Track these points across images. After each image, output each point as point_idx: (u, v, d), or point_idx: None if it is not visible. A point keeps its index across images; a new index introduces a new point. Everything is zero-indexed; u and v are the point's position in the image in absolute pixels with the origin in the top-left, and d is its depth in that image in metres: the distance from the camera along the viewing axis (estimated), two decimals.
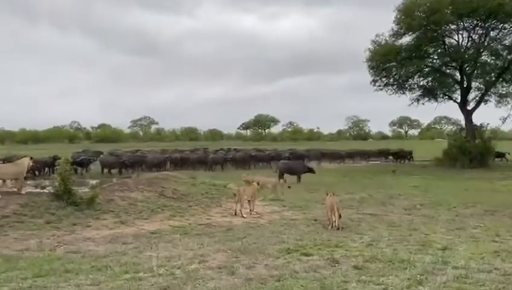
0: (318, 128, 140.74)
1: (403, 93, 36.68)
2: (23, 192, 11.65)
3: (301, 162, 26.16)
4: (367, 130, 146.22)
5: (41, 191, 12.35)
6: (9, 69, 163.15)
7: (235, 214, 11.75)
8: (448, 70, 36.32)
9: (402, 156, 40.18)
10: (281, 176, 20.50)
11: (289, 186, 17.13)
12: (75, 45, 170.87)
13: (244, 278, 6.12)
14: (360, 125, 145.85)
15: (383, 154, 43.72)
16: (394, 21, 33.57)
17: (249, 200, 12.11)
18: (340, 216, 10.09)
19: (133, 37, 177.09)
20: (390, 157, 41.77)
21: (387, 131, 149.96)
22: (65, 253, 7.72)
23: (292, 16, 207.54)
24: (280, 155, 33.29)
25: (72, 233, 9.39)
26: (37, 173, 23.64)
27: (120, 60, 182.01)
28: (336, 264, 6.81)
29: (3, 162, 19.53)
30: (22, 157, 14.03)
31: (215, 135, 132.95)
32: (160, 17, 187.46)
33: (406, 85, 36.37)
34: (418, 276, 6.16)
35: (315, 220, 11.09)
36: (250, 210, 12.04)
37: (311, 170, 22.40)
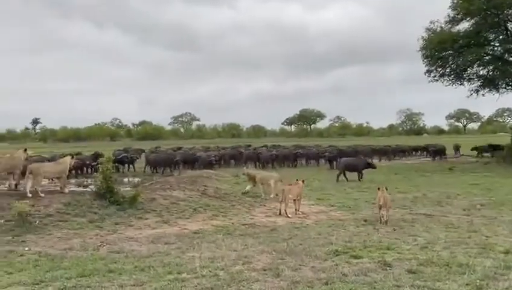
0: (368, 122, 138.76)
1: (461, 84, 35.41)
2: (66, 191, 12.15)
3: (361, 158, 26.09)
4: (421, 124, 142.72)
5: (84, 189, 12.82)
6: (48, 66, 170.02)
7: (280, 213, 11.79)
8: (511, 58, 34.83)
9: (435, 152, 37.97)
10: (341, 173, 20.92)
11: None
12: (113, 40, 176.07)
13: (290, 281, 6.15)
14: (414, 119, 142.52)
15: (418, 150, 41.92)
16: (450, 6, 32.49)
17: (294, 200, 12.10)
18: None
19: (172, 32, 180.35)
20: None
21: (444, 125, 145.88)
22: (108, 253, 8.00)
23: (338, 4, 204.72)
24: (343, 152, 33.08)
25: (114, 232, 9.71)
26: (79, 171, 24.49)
27: (159, 55, 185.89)
28: (388, 268, 6.73)
29: (48, 161, 20.35)
30: (64, 156, 14.61)
31: (258, 131, 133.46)
32: (199, 10, 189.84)
33: (464, 75, 35.06)
34: (478, 281, 6.00)
35: (365, 221, 10.97)
36: (296, 210, 12.03)
37: (371, 165, 22.49)
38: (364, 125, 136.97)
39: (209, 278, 6.32)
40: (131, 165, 26.85)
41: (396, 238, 8.89)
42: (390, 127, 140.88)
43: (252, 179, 15.27)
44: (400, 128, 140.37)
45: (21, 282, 6.20)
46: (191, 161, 28.37)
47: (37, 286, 6.09)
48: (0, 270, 6.82)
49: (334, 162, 27.88)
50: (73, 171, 19.78)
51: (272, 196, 14.41)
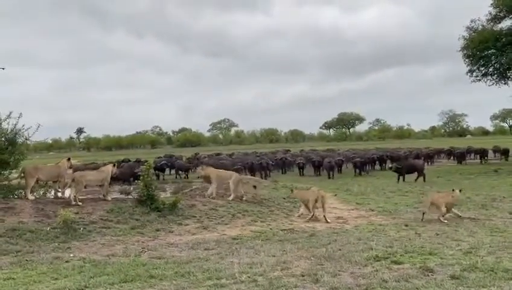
0: (408, 125, 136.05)
1: (505, 83, 34.27)
2: (108, 198, 12.45)
3: (421, 160, 26.17)
4: (464, 126, 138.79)
5: (126, 197, 13.10)
6: (91, 77, 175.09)
7: (312, 218, 11.78)
8: None
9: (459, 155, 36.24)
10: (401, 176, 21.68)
11: (254, 186, 15.61)
12: (153, 50, 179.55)
13: (329, 287, 6.10)
14: (457, 120, 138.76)
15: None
16: (492, 4, 31.59)
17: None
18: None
19: (209, 39, 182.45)
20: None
21: (489, 126, 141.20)
22: (149, 258, 8.15)
23: (375, 6, 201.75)
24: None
25: (155, 239, 9.89)
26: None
27: (197, 62, 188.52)
28: (430, 274, 6.57)
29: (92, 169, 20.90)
30: (105, 164, 14.95)
31: (296, 135, 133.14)
32: (235, 17, 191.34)
33: (508, 74, 33.97)
34: None
35: (406, 226, 10.75)
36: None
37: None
38: (405, 127, 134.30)
39: (248, 283, 6.34)
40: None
41: (439, 243, 8.67)
42: (432, 129, 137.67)
43: (207, 179, 14.40)
44: (443, 130, 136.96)
45: (66, 288, 6.39)
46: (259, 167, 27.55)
47: None
48: (46, 276, 7.06)
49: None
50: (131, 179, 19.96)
51: (231, 198, 13.55)
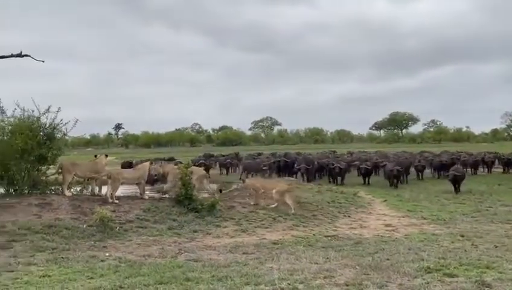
0: (467, 127, 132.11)
1: None
2: (146, 197, 12.75)
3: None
4: None
5: (163, 196, 13.36)
6: (129, 72, 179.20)
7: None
8: None
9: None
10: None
11: (220, 190, 14.82)
12: (190, 44, 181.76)
13: None
14: None
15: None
16: None
17: None
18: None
19: (249, 33, 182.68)
20: None
21: None
22: (186, 261, 8.29)
23: None
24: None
25: (192, 240, 10.06)
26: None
27: (237, 57, 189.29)
28: (487, 289, 6.39)
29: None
30: (142, 162, 15.29)
31: (343, 136, 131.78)
32: (277, 10, 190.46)
33: None
34: None
35: (462, 236, 10.49)
36: None
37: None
38: (464, 130, 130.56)
39: None
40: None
41: (497, 256, 8.40)
42: (494, 132, 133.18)
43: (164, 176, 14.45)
44: (506, 134, 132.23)
45: (101, 287, 6.59)
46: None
47: None
48: (82, 275, 7.31)
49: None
50: None
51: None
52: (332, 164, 24.18)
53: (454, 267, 7.52)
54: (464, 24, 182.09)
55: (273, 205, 13.10)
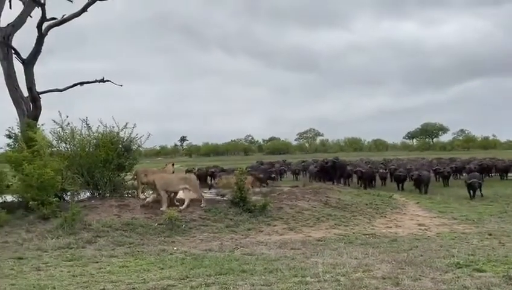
0: (494, 135, 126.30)
1: None
2: (203, 204, 12.40)
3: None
4: None
5: (221, 198, 13.49)
6: (191, 91, 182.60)
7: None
8: None
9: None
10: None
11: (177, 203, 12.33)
12: (243, 66, 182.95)
13: None
14: None
15: None
16: None
17: None
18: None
19: (294, 55, 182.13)
20: None
21: None
22: (241, 255, 8.36)
23: (455, 19, 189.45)
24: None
25: (247, 237, 10.12)
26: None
27: (283, 77, 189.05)
28: None
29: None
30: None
31: (379, 145, 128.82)
32: (317, 33, 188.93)
33: None
34: None
35: (490, 235, 10.05)
36: None
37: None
38: (491, 138, 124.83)
39: (331, 283, 6.29)
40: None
41: None
42: None
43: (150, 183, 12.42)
44: None
45: (170, 277, 6.76)
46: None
47: (182, 281, 6.58)
48: (154, 266, 7.51)
49: None
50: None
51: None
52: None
53: (483, 263, 7.21)
54: (489, 41, 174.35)
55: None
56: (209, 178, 26.32)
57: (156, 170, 14.56)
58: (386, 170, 24.81)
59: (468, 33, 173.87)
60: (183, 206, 11.68)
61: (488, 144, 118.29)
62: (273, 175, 25.40)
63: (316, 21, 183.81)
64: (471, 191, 17.67)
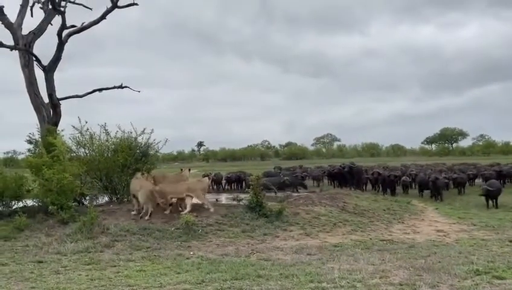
0: None
1: None
2: (211, 210, 12.42)
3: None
4: None
5: (238, 203, 13.51)
6: (208, 97, 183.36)
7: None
8: None
9: None
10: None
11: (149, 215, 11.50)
12: (259, 71, 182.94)
13: None
14: None
15: None
16: None
17: None
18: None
19: (309, 60, 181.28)
20: None
21: None
22: (257, 260, 8.37)
23: (473, 23, 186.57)
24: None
25: (263, 242, 10.12)
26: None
27: (300, 82, 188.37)
28: None
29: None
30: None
31: (397, 150, 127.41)
32: (333, 39, 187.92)
33: None
34: None
35: (510, 242, 9.87)
36: None
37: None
38: (511, 143, 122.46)
39: (347, 288, 6.26)
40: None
41: None
42: None
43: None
44: None
45: (187, 281, 6.81)
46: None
47: (199, 285, 6.62)
48: (171, 270, 7.57)
49: None
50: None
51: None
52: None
53: (503, 271, 7.09)
54: (506, 46, 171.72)
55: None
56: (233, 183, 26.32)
57: (173, 175, 14.65)
58: (408, 177, 23.94)
59: (488, 36, 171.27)
60: (185, 211, 11.70)
61: (508, 149, 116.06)
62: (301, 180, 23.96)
63: (332, 26, 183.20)
64: (488, 200, 16.49)
